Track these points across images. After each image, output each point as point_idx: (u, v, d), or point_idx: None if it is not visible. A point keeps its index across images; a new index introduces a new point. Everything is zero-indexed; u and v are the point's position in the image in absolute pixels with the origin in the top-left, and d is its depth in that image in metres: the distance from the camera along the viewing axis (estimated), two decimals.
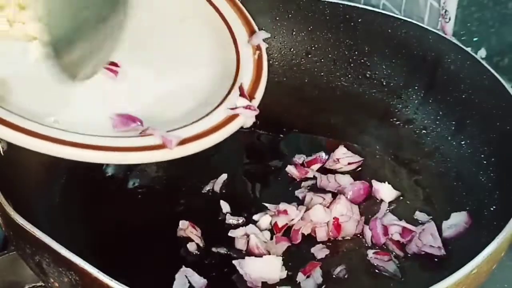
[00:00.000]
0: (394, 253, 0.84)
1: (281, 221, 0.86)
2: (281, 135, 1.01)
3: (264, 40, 0.90)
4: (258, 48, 0.87)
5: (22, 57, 0.76)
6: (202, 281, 0.80)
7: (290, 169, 0.94)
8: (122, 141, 0.71)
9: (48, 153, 0.68)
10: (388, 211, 0.89)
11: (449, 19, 1.01)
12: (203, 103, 0.79)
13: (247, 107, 0.81)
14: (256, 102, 0.82)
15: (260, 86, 0.83)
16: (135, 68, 0.80)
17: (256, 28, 0.89)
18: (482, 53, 1.03)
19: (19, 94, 0.73)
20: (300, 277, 0.81)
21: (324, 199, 0.89)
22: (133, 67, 0.80)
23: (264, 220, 0.87)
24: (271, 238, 0.86)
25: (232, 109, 0.80)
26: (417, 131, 0.98)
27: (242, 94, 0.82)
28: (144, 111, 0.76)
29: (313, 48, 1.05)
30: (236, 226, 0.87)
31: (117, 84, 0.78)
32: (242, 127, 0.81)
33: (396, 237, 0.85)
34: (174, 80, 0.81)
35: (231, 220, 0.88)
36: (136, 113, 0.75)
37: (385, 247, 0.85)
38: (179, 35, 0.86)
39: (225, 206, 0.89)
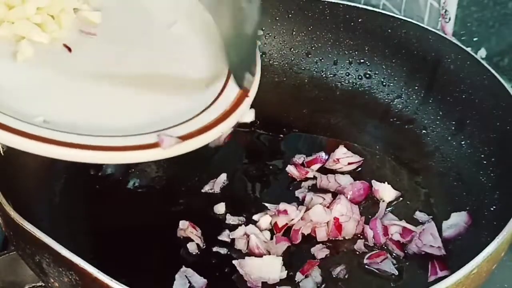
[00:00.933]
0: (394, 253, 0.84)
1: (281, 221, 0.86)
2: (281, 135, 1.01)
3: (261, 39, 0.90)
4: None
5: (11, 57, 0.75)
6: (202, 281, 0.80)
7: (290, 169, 0.94)
8: (115, 140, 0.70)
9: (39, 154, 0.67)
10: (388, 211, 0.89)
11: (449, 19, 1.02)
12: (198, 100, 0.79)
13: None
14: (250, 98, 0.80)
15: (254, 81, 0.82)
16: (128, 66, 0.80)
17: None
18: (482, 53, 1.03)
19: (8, 94, 0.72)
20: (298, 276, 0.81)
21: (324, 199, 0.89)
22: (125, 66, 0.80)
23: (264, 220, 0.87)
24: (271, 238, 0.86)
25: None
26: (417, 131, 0.98)
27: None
28: (138, 110, 0.75)
29: (313, 48, 1.05)
30: (236, 226, 0.87)
31: (109, 83, 0.78)
32: (241, 125, 0.80)
33: (396, 237, 0.85)
34: (167, 78, 0.81)
35: (231, 220, 0.88)
36: (131, 113, 0.75)
37: (384, 247, 0.85)
38: (171, 32, 0.86)
39: (220, 208, 0.89)
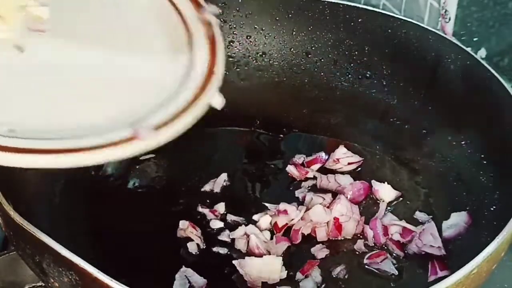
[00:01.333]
0: (394, 253, 0.84)
1: (281, 221, 0.86)
2: (281, 135, 1.01)
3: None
4: (208, 22, 0.83)
5: None
6: (202, 281, 0.80)
7: (290, 169, 0.94)
8: (87, 141, 0.66)
9: (8, 165, 0.64)
10: (388, 211, 0.89)
11: (449, 19, 1.01)
12: (162, 88, 0.74)
13: None
14: (217, 77, 0.76)
15: (217, 59, 0.79)
16: (85, 61, 0.76)
17: (202, 2, 0.83)
18: (482, 53, 1.03)
19: None
20: (298, 276, 0.81)
21: (324, 199, 0.89)
22: (83, 60, 0.76)
23: (264, 220, 0.87)
24: (271, 238, 0.86)
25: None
26: (417, 131, 0.98)
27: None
28: (105, 105, 0.72)
29: (313, 48, 1.05)
30: (236, 226, 0.87)
31: (69, 80, 0.74)
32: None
33: (396, 237, 0.85)
34: (127, 67, 0.77)
35: (231, 220, 0.88)
36: (98, 109, 0.71)
37: (384, 247, 0.85)
38: (125, 21, 0.82)
39: (221, 208, 0.89)
